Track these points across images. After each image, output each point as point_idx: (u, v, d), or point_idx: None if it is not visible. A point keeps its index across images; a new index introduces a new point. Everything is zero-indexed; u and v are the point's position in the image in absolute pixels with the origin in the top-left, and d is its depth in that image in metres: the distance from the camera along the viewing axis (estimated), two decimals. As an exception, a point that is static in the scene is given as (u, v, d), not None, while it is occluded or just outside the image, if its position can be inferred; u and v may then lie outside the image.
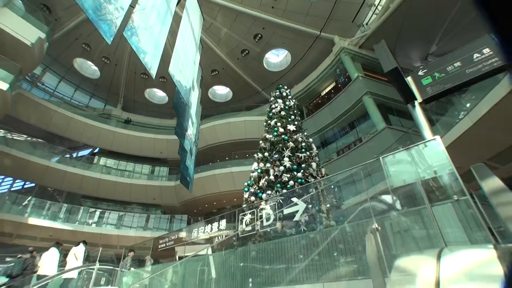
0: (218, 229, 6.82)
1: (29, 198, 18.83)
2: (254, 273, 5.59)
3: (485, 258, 1.03)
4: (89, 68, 22.47)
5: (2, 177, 21.76)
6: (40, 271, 7.14)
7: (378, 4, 17.49)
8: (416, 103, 4.67)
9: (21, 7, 16.23)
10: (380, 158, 3.98)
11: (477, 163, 2.45)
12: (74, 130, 20.44)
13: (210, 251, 7.90)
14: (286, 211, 5.59)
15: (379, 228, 3.01)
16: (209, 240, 8.61)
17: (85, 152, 25.16)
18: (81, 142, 21.89)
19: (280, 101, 9.72)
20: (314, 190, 6.54)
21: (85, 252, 8.07)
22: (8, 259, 14.71)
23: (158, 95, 25.25)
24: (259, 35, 19.27)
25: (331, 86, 19.99)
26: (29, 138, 22.35)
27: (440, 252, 1.13)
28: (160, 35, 11.43)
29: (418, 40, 17.53)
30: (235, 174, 18.86)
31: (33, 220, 17.23)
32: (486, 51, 4.02)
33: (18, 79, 16.16)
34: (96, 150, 24.11)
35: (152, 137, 21.87)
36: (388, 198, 4.20)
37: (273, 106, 9.67)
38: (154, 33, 10.83)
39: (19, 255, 8.42)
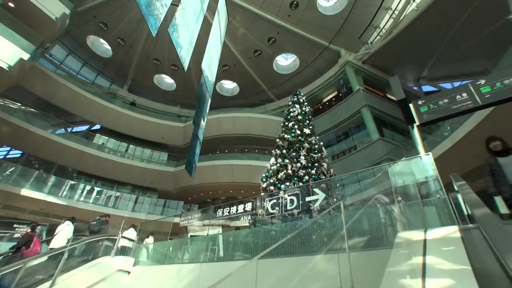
0: (244, 210, 8.55)
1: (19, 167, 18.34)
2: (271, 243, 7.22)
3: (452, 230, 3.00)
4: (101, 46, 23.52)
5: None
6: (53, 244, 7.25)
7: (383, 27, 19.74)
8: (415, 125, 6.51)
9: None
10: (388, 166, 5.87)
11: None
12: (79, 106, 21.32)
13: (221, 231, 9.72)
14: (308, 198, 7.44)
15: (401, 199, 4.95)
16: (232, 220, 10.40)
17: (82, 128, 25.77)
18: (84, 118, 22.76)
19: (297, 106, 11.58)
20: (325, 185, 8.36)
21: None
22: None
23: (166, 81, 26.64)
24: (273, 39, 21.25)
25: (333, 94, 22.23)
26: (23, 107, 22.68)
27: (426, 229, 3.10)
28: (194, 32, 13.25)
29: (413, 63, 20.14)
30: (234, 167, 20.68)
31: (26, 192, 17.13)
32: (464, 95, 5.89)
33: (39, 50, 17.08)
34: (95, 127, 24.88)
35: (157, 122, 23.15)
36: (390, 193, 6.02)
37: (291, 110, 11.48)
38: (190, 30, 12.64)
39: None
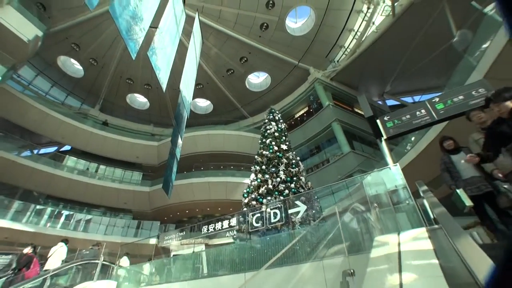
0: (229, 225, 8.65)
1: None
2: (258, 257, 7.45)
3: (421, 232, 3.39)
4: (72, 66, 23.23)
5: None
6: (47, 266, 7.28)
7: (348, 47, 21.13)
8: (383, 139, 7.03)
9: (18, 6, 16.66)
10: (359, 177, 6.30)
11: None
12: (49, 127, 20.78)
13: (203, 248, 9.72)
14: (291, 211, 7.72)
15: (377, 206, 5.33)
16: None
17: (49, 149, 24.72)
18: (54, 140, 21.99)
19: (273, 123, 11.99)
20: (305, 198, 8.67)
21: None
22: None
23: (139, 100, 26.49)
24: (245, 58, 22.03)
25: (305, 110, 23.19)
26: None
27: (399, 232, 3.49)
28: (171, 54, 13.37)
29: (377, 79, 21.71)
30: (211, 184, 20.74)
31: None
32: (423, 111, 6.52)
33: (9, 72, 16.49)
34: (65, 148, 23.94)
35: (131, 141, 22.87)
36: (366, 202, 6.44)
37: (267, 127, 11.88)
38: (167, 53, 12.76)
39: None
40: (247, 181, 19.24)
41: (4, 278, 6.21)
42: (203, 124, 24.36)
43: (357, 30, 20.54)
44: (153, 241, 17.83)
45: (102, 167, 23.67)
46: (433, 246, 2.91)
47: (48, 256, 7.47)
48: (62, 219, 19.64)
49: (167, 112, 26.61)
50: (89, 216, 20.92)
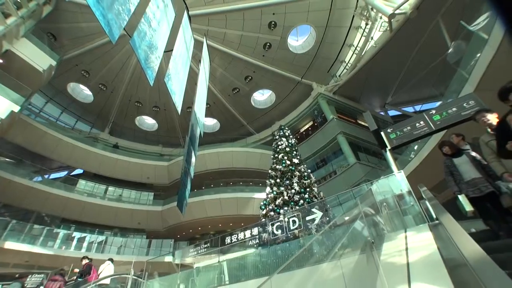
0: (251, 234, 9.55)
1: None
2: (279, 261, 8.31)
3: (424, 228, 4.37)
4: (81, 92, 24.42)
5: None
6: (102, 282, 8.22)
7: (348, 61, 22.47)
8: (387, 149, 7.95)
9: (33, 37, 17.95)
10: (370, 183, 7.24)
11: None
12: (62, 152, 21.71)
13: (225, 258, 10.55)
14: (308, 218, 8.62)
15: (386, 207, 6.25)
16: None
17: (60, 174, 25.74)
18: (67, 164, 23.00)
19: (284, 139, 13.05)
20: (318, 206, 9.59)
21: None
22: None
23: (147, 122, 27.69)
24: (250, 77, 23.33)
25: (309, 124, 24.29)
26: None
27: (405, 229, 4.49)
28: (183, 78, 14.68)
29: (378, 92, 22.89)
30: (222, 201, 21.59)
31: (9, 244, 17.08)
32: (422, 123, 7.49)
33: (27, 102, 17.69)
34: (77, 172, 24.93)
35: (141, 163, 23.78)
36: (375, 205, 7.35)
37: (279, 143, 12.93)
38: (180, 77, 14.05)
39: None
40: (257, 195, 20.40)
41: (72, 283, 7.32)
42: (210, 142, 25.42)
43: (357, 46, 21.93)
44: (168, 258, 18.57)
45: (116, 189, 24.63)
46: (434, 237, 3.82)
47: (99, 272, 8.46)
48: (75, 242, 20.48)
49: (175, 133, 27.79)
50: (102, 238, 21.77)
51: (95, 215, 22.01)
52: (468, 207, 3.79)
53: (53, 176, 25.63)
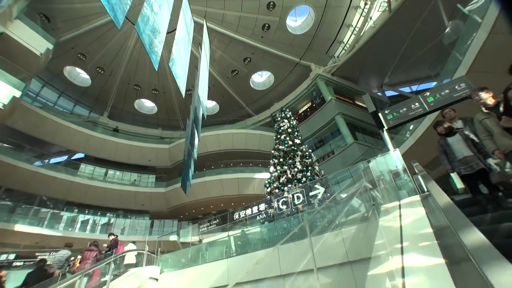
0: (258, 210, 10.39)
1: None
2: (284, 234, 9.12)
3: (415, 198, 5.12)
4: (78, 76, 24.55)
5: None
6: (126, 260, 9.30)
7: (347, 42, 22.81)
8: (384, 129, 8.62)
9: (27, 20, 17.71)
10: (367, 161, 7.99)
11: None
12: (63, 136, 22.10)
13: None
14: (312, 193, 9.42)
15: (383, 181, 7.04)
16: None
17: (60, 158, 26.13)
18: (69, 148, 23.43)
19: (286, 121, 13.72)
20: (320, 183, 10.37)
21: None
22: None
23: (146, 105, 28.05)
24: (248, 59, 23.67)
25: (308, 105, 24.87)
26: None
27: (399, 200, 5.25)
28: (186, 62, 15.11)
29: (376, 72, 23.42)
30: (223, 181, 22.42)
31: (19, 227, 17.85)
32: (417, 104, 8.14)
33: (27, 87, 17.94)
34: (78, 156, 25.42)
35: (143, 146, 24.31)
36: (373, 181, 8.11)
37: (281, 124, 13.59)
38: (183, 61, 14.49)
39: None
40: (257, 176, 21.30)
41: (103, 254, 8.44)
42: (210, 124, 25.93)
43: (356, 26, 22.21)
44: (173, 237, 19.60)
45: (117, 172, 25.32)
46: (423, 206, 4.46)
47: (124, 252, 9.41)
48: (79, 224, 21.44)
49: (175, 115, 28.26)
50: (105, 219, 22.79)
51: (99, 198, 22.73)
52: (459, 184, 4.19)
53: (53, 160, 26.08)
